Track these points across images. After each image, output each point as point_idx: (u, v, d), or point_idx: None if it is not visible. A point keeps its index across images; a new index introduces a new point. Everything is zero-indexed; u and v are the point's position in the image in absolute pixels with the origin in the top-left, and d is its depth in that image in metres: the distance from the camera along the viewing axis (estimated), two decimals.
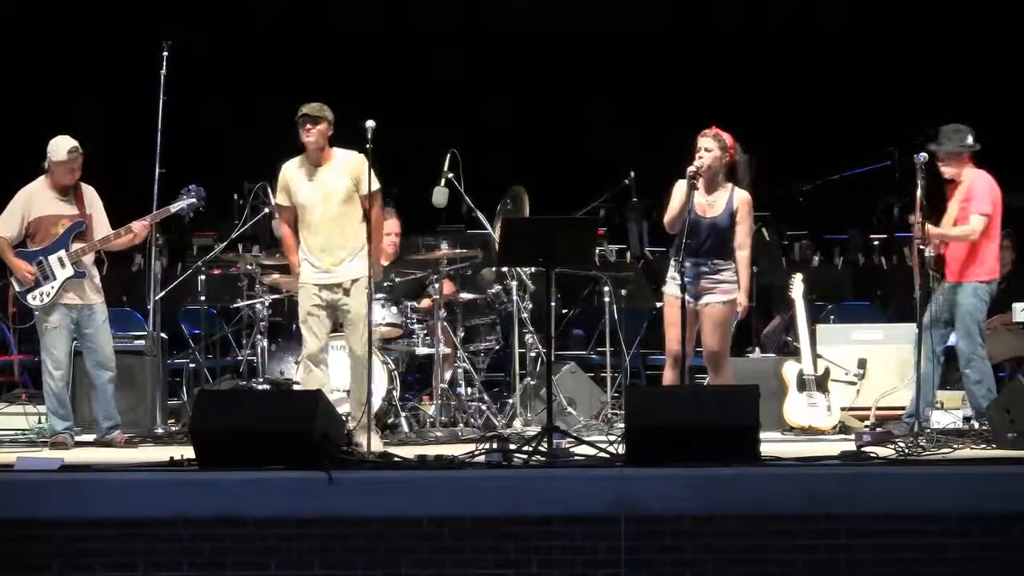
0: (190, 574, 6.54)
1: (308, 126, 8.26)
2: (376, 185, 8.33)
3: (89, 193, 9.01)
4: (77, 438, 9.07)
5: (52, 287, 8.80)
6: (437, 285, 9.48)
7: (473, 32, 14.61)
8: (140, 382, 9.73)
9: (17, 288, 8.85)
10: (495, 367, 10.35)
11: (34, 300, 8.81)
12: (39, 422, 9.36)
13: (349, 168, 8.31)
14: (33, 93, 13.76)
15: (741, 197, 8.21)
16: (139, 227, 9.01)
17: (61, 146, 8.84)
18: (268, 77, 14.37)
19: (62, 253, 8.83)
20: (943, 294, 8.83)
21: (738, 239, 8.19)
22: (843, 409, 9.60)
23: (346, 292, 8.31)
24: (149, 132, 9.33)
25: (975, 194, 8.72)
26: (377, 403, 8.68)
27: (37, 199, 8.89)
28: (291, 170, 8.42)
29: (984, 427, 8.37)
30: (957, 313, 8.80)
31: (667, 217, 8.18)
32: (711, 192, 8.19)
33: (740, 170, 8.25)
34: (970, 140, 8.76)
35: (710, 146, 8.14)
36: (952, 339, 9.10)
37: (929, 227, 8.52)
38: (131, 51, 11.30)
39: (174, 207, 9.19)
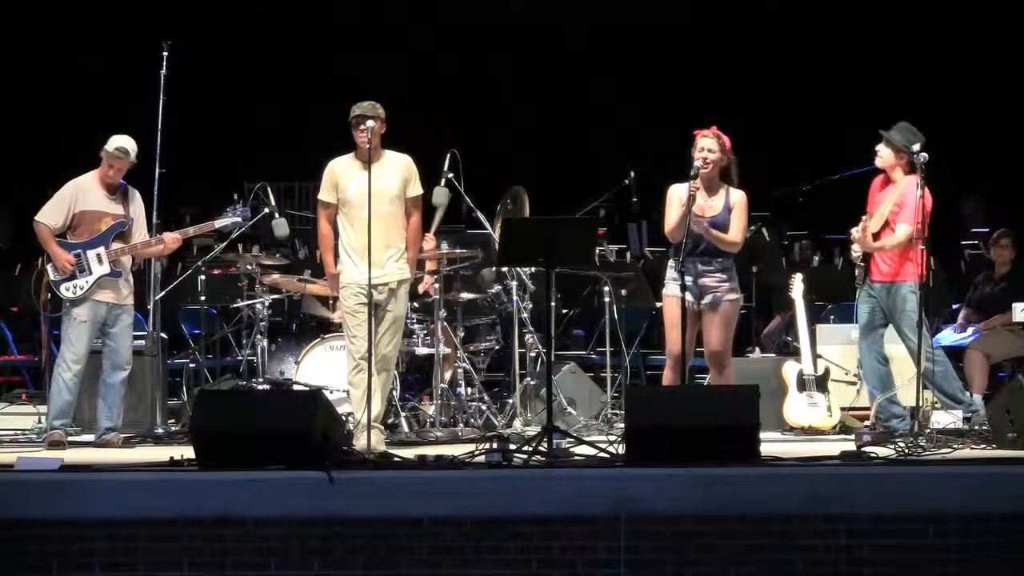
0: (190, 574, 6.54)
1: (362, 126, 8.17)
2: (420, 190, 8.40)
3: (136, 197, 9.05)
4: (76, 438, 9.06)
5: (87, 281, 8.81)
6: (437, 285, 9.48)
7: (473, 32, 14.62)
8: (140, 382, 9.72)
9: (52, 276, 8.84)
10: (495, 367, 10.35)
11: (67, 291, 8.81)
12: (39, 422, 9.36)
13: (401, 168, 8.32)
14: (33, 93, 13.77)
15: (737, 195, 8.24)
16: (170, 239, 9.04)
17: (113, 141, 8.89)
18: (268, 77, 14.39)
19: (101, 250, 8.85)
20: (875, 294, 8.75)
21: (731, 232, 8.19)
22: (843, 409, 9.59)
23: (392, 292, 8.27)
24: (149, 132, 9.33)
25: (907, 203, 8.57)
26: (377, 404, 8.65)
27: (85, 192, 8.90)
28: (341, 166, 8.33)
29: (984, 427, 8.37)
30: (899, 313, 8.64)
31: (668, 227, 8.19)
32: (710, 193, 8.22)
33: (733, 171, 8.28)
34: (917, 147, 8.55)
35: (712, 147, 8.17)
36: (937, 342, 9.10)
37: (866, 238, 8.59)
38: (131, 51, 11.31)
39: (218, 223, 9.22)
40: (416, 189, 8.41)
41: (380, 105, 8.26)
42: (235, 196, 12.10)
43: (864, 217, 8.66)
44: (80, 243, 8.85)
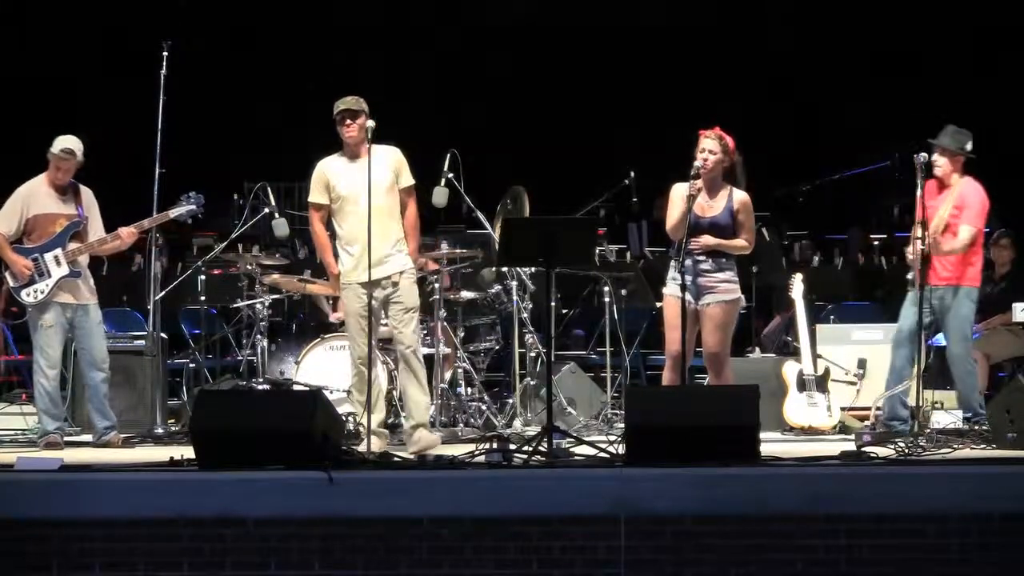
0: (190, 574, 6.54)
1: (348, 121, 8.17)
2: (412, 180, 8.37)
3: (87, 195, 9.02)
4: (76, 438, 9.05)
5: (47, 284, 8.79)
6: (437, 285, 9.47)
7: (473, 32, 14.62)
8: (140, 382, 9.73)
9: (12, 284, 8.83)
10: (495, 367, 10.35)
11: (28, 296, 8.80)
12: (38, 422, 9.36)
13: (389, 160, 8.26)
14: (32, 92, 13.77)
15: (740, 198, 8.22)
16: (126, 233, 8.99)
17: (59, 142, 8.87)
18: (268, 77, 14.39)
19: (58, 251, 8.83)
20: (934, 297, 8.71)
21: (740, 236, 8.21)
22: (843, 409, 9.60)
23: (395, 284, 8.20)
24: (149, 132, 9.33)
25: (967, 204, 8.64)
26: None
27: (36, 197, 8.88)
28: (329, 165, 8.30)
29: (984, 427, 8.38)
30: (952, 317, 8.69)
31: (669, 225, 8.18)
32: (711, 193, 8.20)
33: (738, 171, 8.27)
34: (969, 146, 8.70)
35: (714, 148, 8.15)
36: (937, 341, 9.12)
37: (939, 243, 8.55)
38: (131, 51, 11.32)
39: (173, 212, 9.18)
40: (407, 179, 8.35)
41: (363, 100, 8.24)
42: (235, 196, 12.14)
43: (917, 223, 8.52)
44: (36, 247, 8.82)
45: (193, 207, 9.20)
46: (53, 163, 8.86)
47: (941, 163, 8.69)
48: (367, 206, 7.93)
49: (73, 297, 8.85)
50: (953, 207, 8.65)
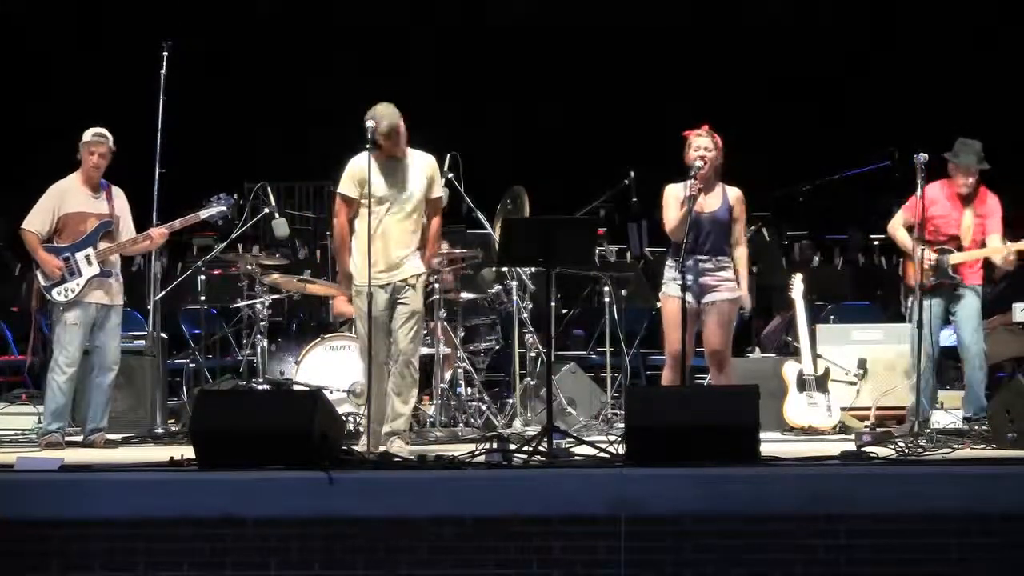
0: (190, 574, 6.54)
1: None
2: (442, 191, 8.30)
3: (119, 196, 9.04)
4: (76, 438, 9.05)
5: (78, 283, 8.80)
6: (437, 285, 9.47)
7: (473, 32, 14.62)
8: (140, 382, 9.73)
9: (43, 282, 8.83)
10: (495, 367, 10.35)
11: (59, 295, 8.80)
12: (39, 422, 9.36)
13: (425, 168, 8.14)
14: (31, 92, 13.78)
15: (735, 194, 8.28)
16: (157, 233, 9.03)
17: (89, 131, 8.90)
18: (270, 77, 14.40)
19: (89, 251, 8.84)
20: (946, 295, 8.90)
21: (735, 236, 8.24)
22: (843, 409, 9.60)
23: (412, 287, 8.03)
24: (149, 132, 9.33)
25: (991, 212, 8.92)
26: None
27: (69, 195, 8.89)
28: (366, 163, 7.96)
29: (984, 427, 8.38)
30: (961, 308, 8.91)
31: (669, 226, 8.19)
32: (707, 191, 8.23)
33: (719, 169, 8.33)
34: (982, 155, 8.91)
35: (708, 145, 8.19)
36: (951, 338, 9.18)
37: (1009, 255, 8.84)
38: (131, 51, 11.32)
39: (204, 214, 9.20)
40: (438, 190, 8.24)
41: (393, 105, 8.01)
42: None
43: (916, 224, 8.58)
44: (67, 246, 8.84)
45: (224, 208, 9.23)
46: (86, 151, 8.86)
47: (966, 182, 8.89)
48: (395, 210, 7.89)
49: (107, 297, 8.88)
50: (976, 215, 8.91)
